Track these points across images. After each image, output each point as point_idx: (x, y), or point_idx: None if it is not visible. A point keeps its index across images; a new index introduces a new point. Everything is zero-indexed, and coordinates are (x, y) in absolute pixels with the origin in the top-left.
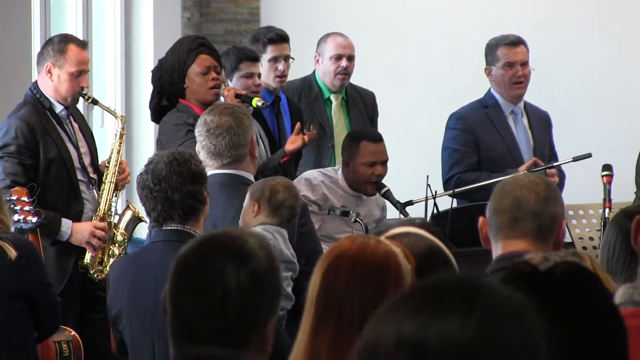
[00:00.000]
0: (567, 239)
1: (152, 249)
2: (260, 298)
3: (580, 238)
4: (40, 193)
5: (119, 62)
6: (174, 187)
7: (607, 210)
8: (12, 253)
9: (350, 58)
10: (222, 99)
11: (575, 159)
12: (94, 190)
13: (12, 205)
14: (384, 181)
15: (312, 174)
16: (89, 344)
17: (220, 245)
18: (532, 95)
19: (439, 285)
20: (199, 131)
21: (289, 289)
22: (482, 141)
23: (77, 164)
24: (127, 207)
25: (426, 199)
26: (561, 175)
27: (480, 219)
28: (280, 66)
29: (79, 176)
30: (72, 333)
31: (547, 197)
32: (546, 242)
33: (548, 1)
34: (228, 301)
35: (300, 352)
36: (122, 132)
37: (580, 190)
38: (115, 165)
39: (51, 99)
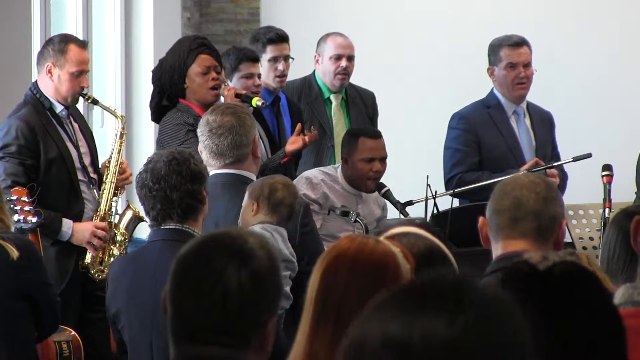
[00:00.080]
0: (567, 239)
1: (151, 248)
2: (260, 298)
3: (580, 238)
4: (41, 193)
5: (119, 62)
6: (173, 186)
7: (607, 210)
8: (14, 253)
9: (350, 58)
10: (222, 98)
11: (575, 159)
12: (95, 190)
13: (12, 205)
14: (384, 181)
15: (312, 172)
16: (89, 344)
17: (220, 245)
18: (532, 95)
19: (425, 285)
20: (201, 131)
21: (287, 288)
22: (484, 141)
23: (77, 164)
24: (128, 207)
25: (426, 199)
26: (563, 175)
27: (480, 219)
28: (280, 66)
29: (80, 176)
30: (72, 333)
31: (547, 197)
32: (546, 242)
33: (548, 1)
34: (228, 301)
35: (300, 352)
36: (123, 132)
37: (580, 190)
38: (116, 165)
39: (51, 99)
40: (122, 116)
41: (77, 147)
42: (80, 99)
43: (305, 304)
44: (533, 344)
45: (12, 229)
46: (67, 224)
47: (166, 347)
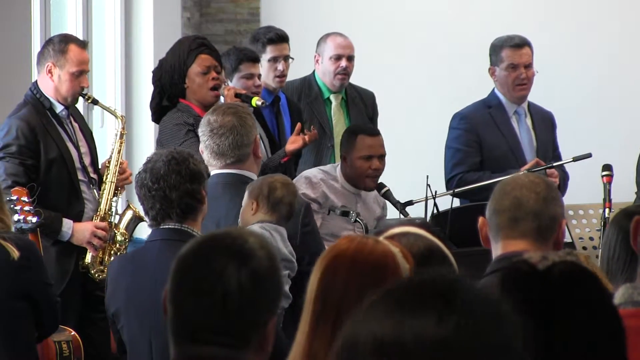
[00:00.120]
0: (567, 239)
1: (150, 247)
2: (260, 298)
3: (580, 238)
4: (41, 193)
5: (119, 62)
6: (172, 185)
7: (607, 210)
8: (15, 253)
9: (350, 58)
10: (221, 99)
11: (575, 159)
12: (95, 190)
13: (12, 206)
14: (384, 181)
15: (312, 172)
16: (89, 344)
17: (220, 245)
18: (533, 95)
19: (416, 285)
20: (202, 131)
21: (287, 287)
22: (485, 141)
23: (77, 164)
24: (128, 207)
25: (426, 199)
26: (564, 175)
27: (480, 219)
28: (280, 66)
29: (80, 176)
30: (72, 333)
31: (547, 197)
32: (546, 242)
33: (548, 1)
34: (228, 301)
35: (299, 351)
36: (123, 131)
37: (580, 190)
38: (116, 165)
39: (51, 99)
40: (122, 116)
41: (77, 147)
42: (80, 99)
43: (305, 304)
44: (527, 344)
45: (13, 229)
46: (67, 224)
47: (165, 346)
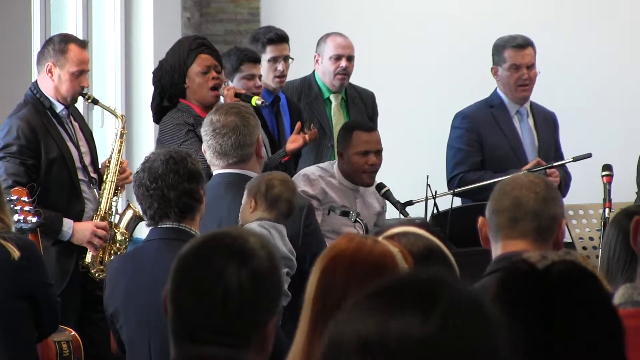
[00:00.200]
0: (567, 239)
1: (148, 247)
2: (260, 298)
3: (580, 238)
4: (42, 193)
5: (119, 62)
6: (170, 185)
7: (607, 210)
8: (16, 253)
9: (350, 58)
10: (221, 98)
11: (575, 159)
12: (95, 190)
13: (12, 206)
14: (384, 181)
15: (310, 169)
16: (89, 344)
17: (221, 244)
18: (533, 95)
19: (400, 284)
20: (205, 130)
21: (285, 286)
22: (486, 141)
23: (78, 164)
24: (128, 207)
25: (426, 199)
26: (566, 176)
27: (480, 219)
28: (280, 66)
29: (80, 176)
30: (72, 333)
31: (546, 197)
32: (546, 242)
33: (548, 1)
34: (228, 301)
35: (298, 351)
36: (123, 131)
37: (580, 190)
38: (116, 165)
39: (51, 99)
40: (122, 116)
41: (77, 147)
42: (80, 98)
43: (304, 303)
44: (515, 346)
45: (13, 229)
46: (67, 223)
47: (164, 346)
